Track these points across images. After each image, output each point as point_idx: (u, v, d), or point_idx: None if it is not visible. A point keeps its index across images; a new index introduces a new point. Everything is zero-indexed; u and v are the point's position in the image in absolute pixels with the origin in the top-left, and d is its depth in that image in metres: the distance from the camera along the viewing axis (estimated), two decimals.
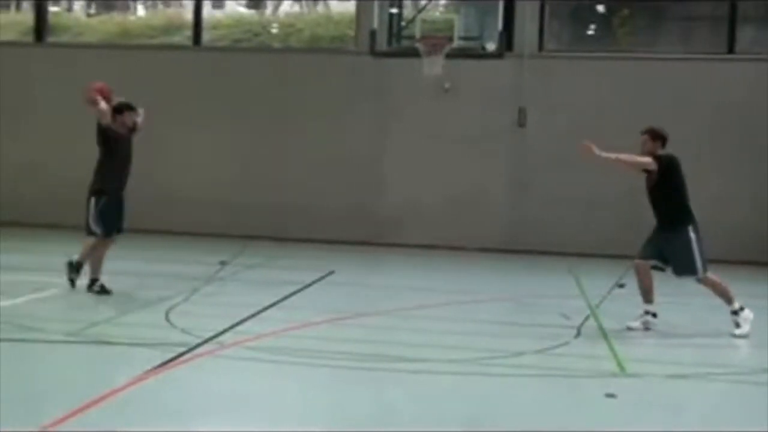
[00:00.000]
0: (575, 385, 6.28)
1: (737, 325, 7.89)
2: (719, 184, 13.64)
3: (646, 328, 8.00)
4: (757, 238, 13.70)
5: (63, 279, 9.02)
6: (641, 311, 8.09)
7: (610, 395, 5.78)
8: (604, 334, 7.83)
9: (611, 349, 7.25)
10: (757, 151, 13.96)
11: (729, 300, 7.98)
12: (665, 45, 15.30)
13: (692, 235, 7.85)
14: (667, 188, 7.92)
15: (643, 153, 8.02)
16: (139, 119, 9.10)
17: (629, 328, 7.98)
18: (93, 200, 8.80)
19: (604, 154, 7.93)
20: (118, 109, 8.93)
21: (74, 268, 8.92)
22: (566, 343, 7.43)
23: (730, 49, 14.47)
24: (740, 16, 14.53)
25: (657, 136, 8.01)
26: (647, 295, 8.08)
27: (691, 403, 5.94)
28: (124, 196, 8.97)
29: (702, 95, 14.13)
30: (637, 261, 8.12)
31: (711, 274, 7.99)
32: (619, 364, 6.74)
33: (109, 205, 8.81)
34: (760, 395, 6.11)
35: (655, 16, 15.73)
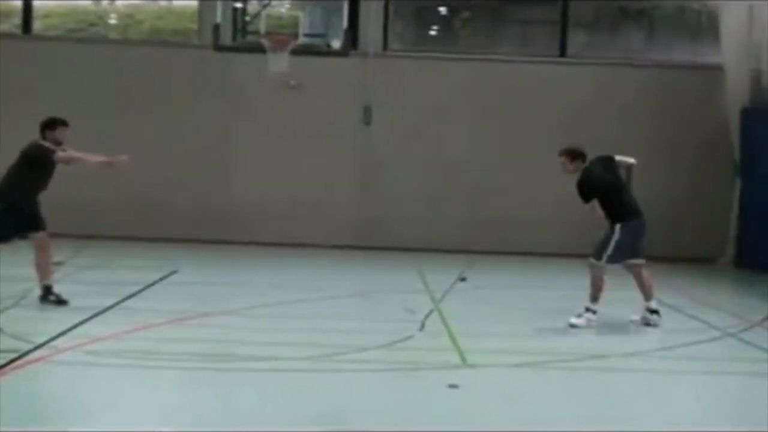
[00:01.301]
0: (419, 377, 6.42)
1: (578, 316, 8.22)
2: (558, 184, 14.24)
3: (650, 323, 8.29)
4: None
5: None
6: (642, 309, 8.34)
7: (453, 386, 5.95)
8: (446, 328, 8.04)
9: (453, 341, 7.46)
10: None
11: (593, 297, 8.24)
12: (504, 47, 15.87)
13: (618, 231, 8.14)
14: (596, 196, 8.22)
15: (568, 173, 8.36)
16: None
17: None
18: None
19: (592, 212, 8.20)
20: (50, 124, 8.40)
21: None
22: (410, 337, 7.58)
23: (563, 52, 15.19)
24: (571, 20, 15.28)
25: (575, 156, 8.34)
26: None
27: (530, 390, 6.18)
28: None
29: (537, 97, 14.73)
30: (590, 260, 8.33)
31: (601, 271, 8.20)
32: (462, 356, 6.94)
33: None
34: (596, 380, 6.47)
35: (495, 18, 16.29)
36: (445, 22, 16.50)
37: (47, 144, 8.41)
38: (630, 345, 7.72)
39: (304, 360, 6.64)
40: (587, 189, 8.24)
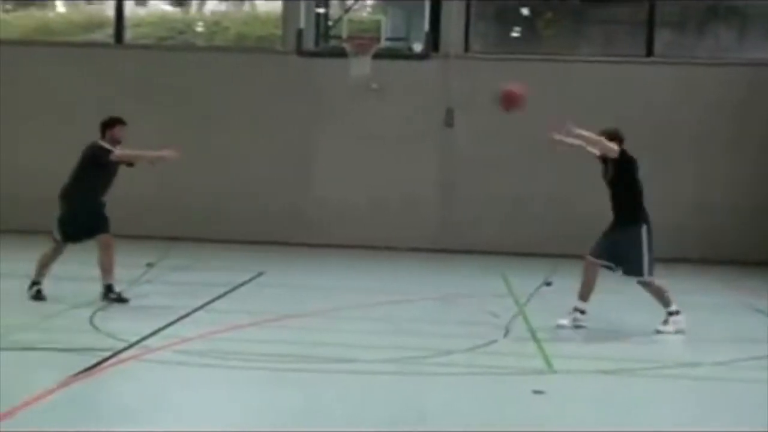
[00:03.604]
0: (504, 382, 6.35)
1: (665, 322, 8.02)
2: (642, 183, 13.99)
3: (576, 326, 8.07)
4: (682, 237, 14.11)
5: None
6: (572, 308, 8.14)
7: (538, 392, 5.87)
8: (532, 332, 7.94)
9: (539, 346, 7.36)
10: (677, 152, 14.39)
11: (666, 303, 8.05)
12: (588, 47, 15.63)
13: (644, 236, 7.92)
14: (622, 185, 7.97)
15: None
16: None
17: (559, 327, 8.05)
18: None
19: (578, 131, 7.84)
20: (109, 124, 8.70)
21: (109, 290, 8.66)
22: (495, 342, 7.51)
23: (649, 52, 14.88)
24: (658, 20, 14.96)
25: (613, 137, 8.03)
26: (585, 292, 8.10)
27: (617, 397, 6.06)
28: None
29: (623, 97, 14.48)
30: (588, 258, 8.13)
31: (655, 279, 8.03)
32: (547, 361, 6.85)
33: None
34: (682, 388, 6.29)
35: (578, 19, 16.07)
36: (527, 23, 16.34)
37: (104, 144, 8.61)
38: (721, 354, 7.45)
39: (387, 362, 6.66)
40: (631, 169, 7.96)
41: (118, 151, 8.56)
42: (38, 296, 8.56)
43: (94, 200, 8.64)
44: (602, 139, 7.98)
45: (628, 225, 7.98)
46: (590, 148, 8.12)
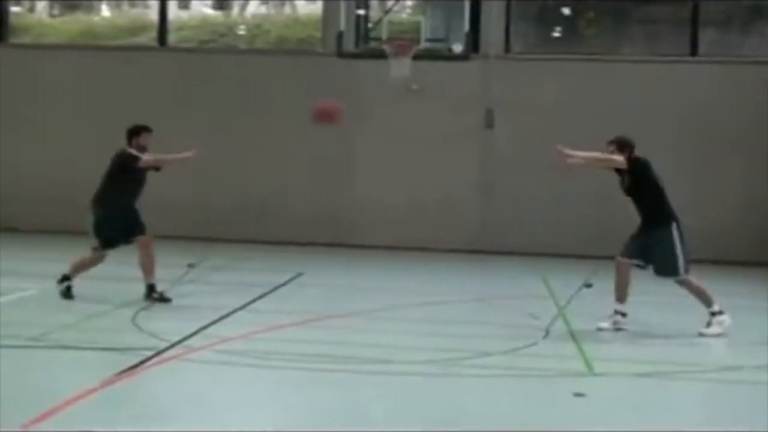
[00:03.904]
0: (543, 384, 6.32)
1: (708, 324, 7.91)
2: (685, 184, 13.80)
3: (616, 328, 8.02)
4: (727, 238, 13.91)
5: (29, 284, 8.91)
6: (612, 311, 8.11)
7: (579, 394, 5.83)
8: (572, 334, 7.88)
9: (579, 348, 7.30)
10: (723, 151, 14.18)
11: (708, 302, 7.96)
12: (630, 47, 15.47)
13: (675, 234, 7.83)
14: (642, 190, 7.92)
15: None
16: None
17: (599, 329, 8.00)
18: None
19: (580, 154, 7.93)
20: (135, 131, 8.84)
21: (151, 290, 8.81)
22: (534, 344, 7.47)
23: (693, 52, 14.68)
24: (702, 18, 14.75)
25: (624, 146, 7.98)
26: (621, 294, 8.06)
27: (659, 400, 6.00)
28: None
29: (667, 97, 14.30)
30: (619, 258, 8.09)
31: (692, 277, 7.96)
32: (587, 364, 6.79)
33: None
34: (725, 392, 6.20)
35: (620, 18, 15.90)
36: (568, 23, 16.21)
37: (132, 150, 8.73)
38: (763, 357, 7.32)
39: (425, 364, 6.66)
40: (645, 173, 7.87)
41: (145, 157, 8.69)
42: (67, 293, 8.70)
43: (127, 205, 8.79)
44: (606, 155, 7.98)
45: (657, 226, 7.91)
46: (597, 167, 8.11)
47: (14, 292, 8.84)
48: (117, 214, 8.70)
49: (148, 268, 8.75)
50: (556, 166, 7.97)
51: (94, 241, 8.73)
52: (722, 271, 11.92)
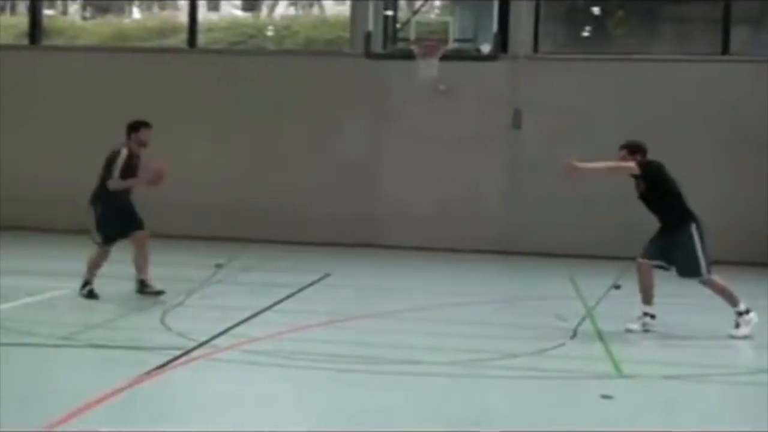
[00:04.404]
0: (571, 386, 6.28)
1: (737, 326, 7.84)
2: (716, 184, 13.66)
3: (645, 330, 7.96)
4: (754, 239, 13.73)
5: (59, 283, 9.00)
6: (640, 313, 8.05)
7: (606, 396, 5.79)
8: (600, 336, 7.83)
9: (607, 350, 7.25)
10: (754, 152, 13.99)
11: (734, 302, 7.89)
12: (660, 46, 15.32)
13: (695, 235, 7.78)
14: (657, 193, 7.88)
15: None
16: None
17: (628, 331, 7.94)
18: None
19: (589, 165, 7.90)
20: (134, 127, 8.92)
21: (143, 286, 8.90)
22: (562, 345, 7.43)
23: (725, 50, 14.51)
24: (734, 17, 14.57)
25: (635, 151, 7.95)
26: (647, 296, 8.03)
27: (688, 403, 5.94)
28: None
29: (699, 96, 14.15)
30: (639, 260, 8.05)
31: (715, 276, 7.91)
32: (615, 366, 6.74)
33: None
34: (755, 395, 6.12)
35: (650, 17, 15.74)
36: (598, 23, 16.10)
37: (120, 157, 8.74)
38: None
39: (451, 365, 6.64)
40: (659, 176, 7.83)
41: (112, 184, 8.70)
42: (91, 295, 8.80)
43: (124, 200, 8.89)
44: (616, 163, 7.97)
45: (676, 228, 7.86)
46: (611, 176, 8.06)
47: (45, 291, 8.96)
48: (117, 211, 8.81)
49: (140, 263, 8.84)
50: (569, 174, 7.93)
51: (96, 237, 8.84)
52: (748, 272, 11.75)
